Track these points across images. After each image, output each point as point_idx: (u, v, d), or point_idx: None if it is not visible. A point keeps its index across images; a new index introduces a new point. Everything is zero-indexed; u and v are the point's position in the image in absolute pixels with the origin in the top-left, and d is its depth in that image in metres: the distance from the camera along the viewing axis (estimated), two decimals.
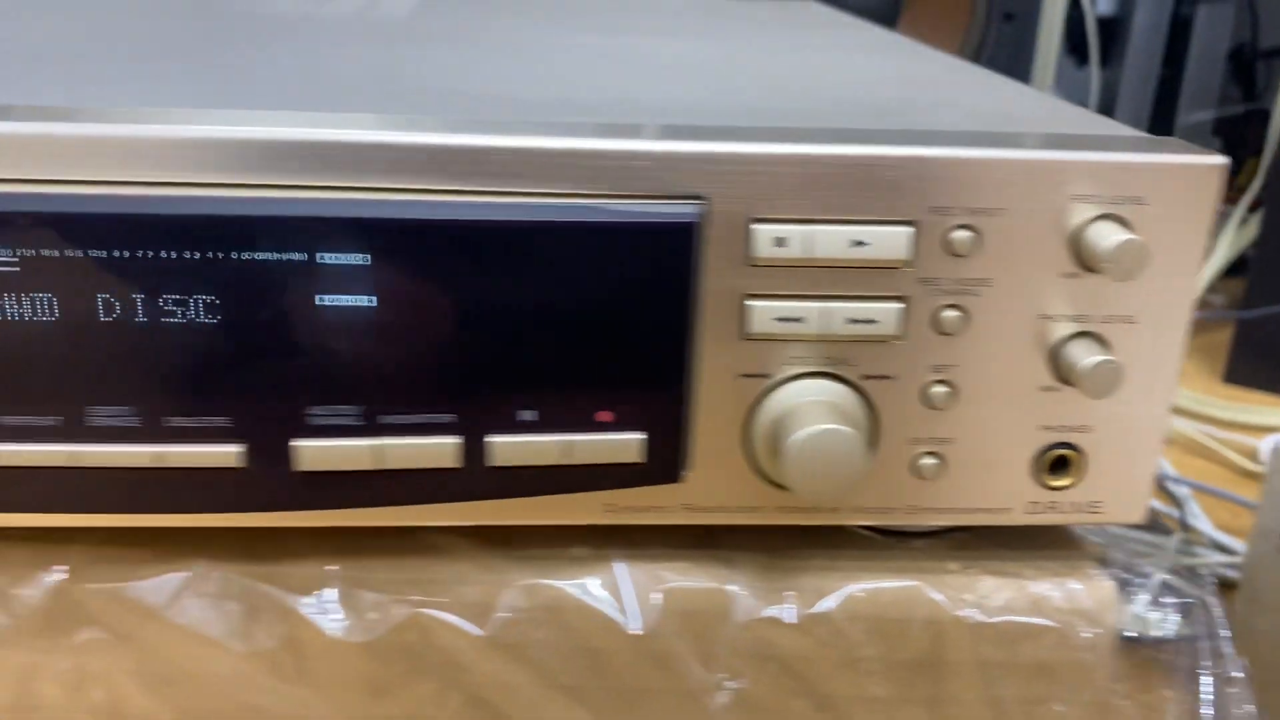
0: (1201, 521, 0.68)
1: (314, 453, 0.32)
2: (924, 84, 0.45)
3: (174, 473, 0.32)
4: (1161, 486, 0.68)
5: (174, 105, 0.33)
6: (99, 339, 0.30)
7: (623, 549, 0.37)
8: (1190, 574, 0.37)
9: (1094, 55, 1.45)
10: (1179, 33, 1.51)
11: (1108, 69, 1.59)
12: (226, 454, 0.32)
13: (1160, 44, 1.52)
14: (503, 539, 0.37)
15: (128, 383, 0.31)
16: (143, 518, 0.33)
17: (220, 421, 0.31)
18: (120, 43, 0.46)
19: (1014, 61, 1.22)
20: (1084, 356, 0.33)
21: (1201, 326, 0.95)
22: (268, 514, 0.33)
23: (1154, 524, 0.59)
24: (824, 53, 0.53)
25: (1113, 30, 1.59)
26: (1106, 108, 1.53)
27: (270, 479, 0.32)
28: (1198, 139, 1.55)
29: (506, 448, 0.33)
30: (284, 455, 0.32)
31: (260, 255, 0.30)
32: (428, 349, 0.32)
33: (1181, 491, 0.69)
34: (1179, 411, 0.82)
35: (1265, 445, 0.77)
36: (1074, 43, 1.46)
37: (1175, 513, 0.67)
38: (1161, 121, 1.53)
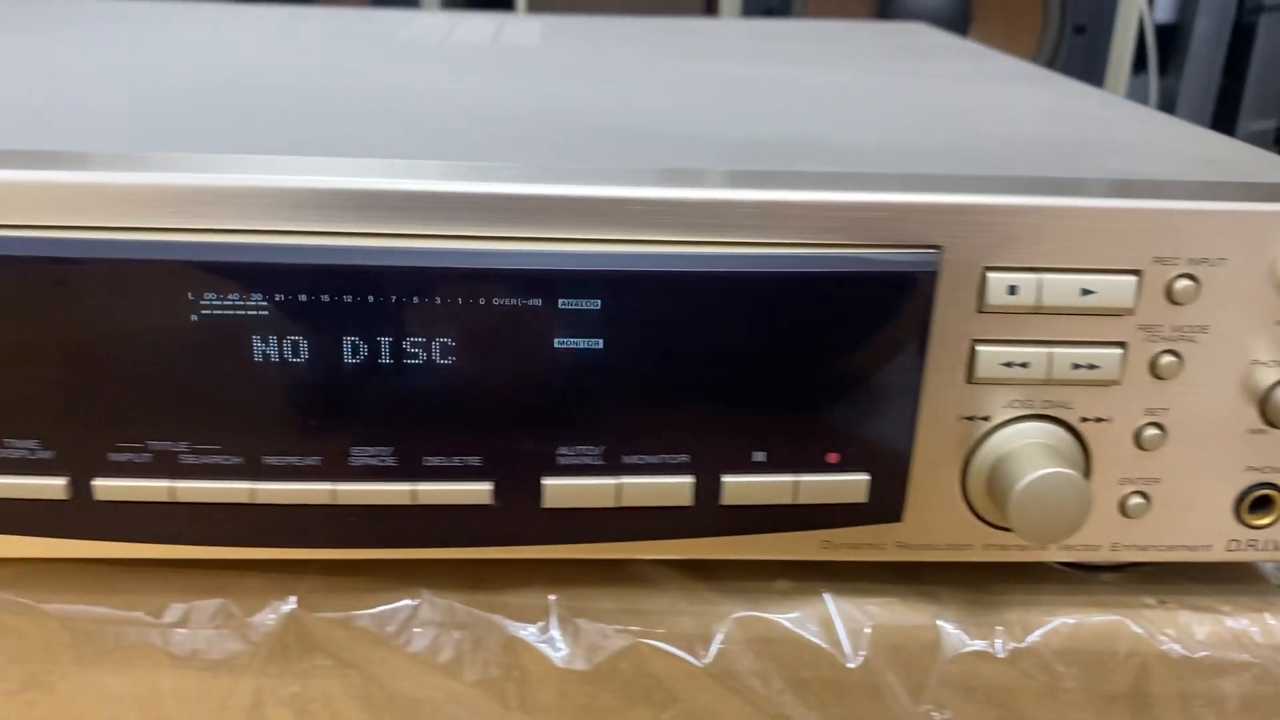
0: None
1: (562, 490, 0.33)
2: (1090, 121, 0.46)
3: (426, 509, 0.33)
4: None
5: (398, 157, 0.34)
6: (360, 383, 0.32)
7: (826, 582, 0.38)
8: None
9: (1152, 63, 1.45)
10: (1240, 40, 1.51)
11: (1165, 77, 1.59)
12: (479, 491, 0.33)
13: (1222, 52, 1.52)
14: (707, 571, 0.38)
15: (389, 424, 0.32)
16: (392, 551, 0.34)
17: (474, 460, 0.33)
18: (328, 88, 0.47)
19: (1085, 74, 1.22)
20: None
21: None
22: (512, 548, 0.34)
23: None
24: (973, 84, 0.54)
25: (1171, 38, 1.59)
26: None
27: (519, 514, 0.33)
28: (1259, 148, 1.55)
29: (738, 487, 0.34)
30: (534, 492, 0.33)
31: (530, 302, 0.31)
32: (668, 393, 0.33)
33: None
34: None
35: None
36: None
37: None
38: (1222, 130, 1.53)
